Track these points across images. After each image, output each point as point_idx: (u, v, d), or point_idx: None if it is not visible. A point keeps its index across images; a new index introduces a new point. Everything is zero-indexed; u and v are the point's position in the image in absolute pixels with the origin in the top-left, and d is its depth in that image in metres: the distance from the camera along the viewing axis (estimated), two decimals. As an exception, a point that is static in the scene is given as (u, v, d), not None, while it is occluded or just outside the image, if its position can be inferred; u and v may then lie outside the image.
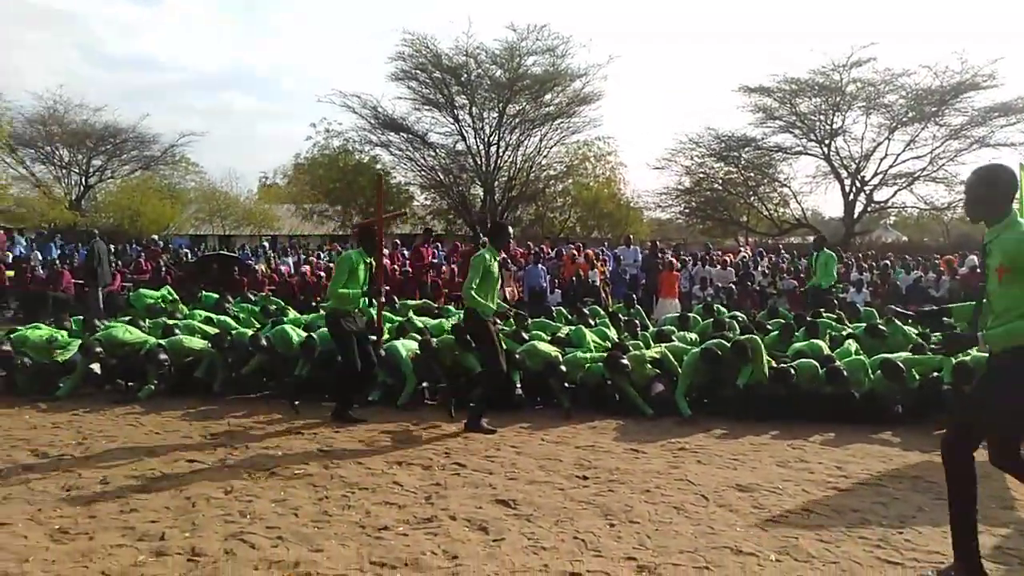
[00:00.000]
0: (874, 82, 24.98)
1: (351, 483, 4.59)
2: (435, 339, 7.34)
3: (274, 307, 9.99)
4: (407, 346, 7.10)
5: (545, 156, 27.81)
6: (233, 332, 7.81)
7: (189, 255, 19.23)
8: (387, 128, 26.50)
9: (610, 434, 6.00)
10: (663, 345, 7.61)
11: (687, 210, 29.45)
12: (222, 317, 9.12)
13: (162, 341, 7.54)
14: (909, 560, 3.49)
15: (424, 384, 7.07)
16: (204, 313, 9.43)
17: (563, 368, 6.87)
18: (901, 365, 6.40)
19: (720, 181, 28.60)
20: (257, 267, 15.91)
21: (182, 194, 34.30)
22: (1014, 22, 65.67)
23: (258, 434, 5.83)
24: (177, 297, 10.75)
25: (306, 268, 15.88)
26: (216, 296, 10.77)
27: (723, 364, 6.61)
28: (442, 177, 27.36)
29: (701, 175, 28.74)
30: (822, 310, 9.43)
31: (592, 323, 8.87)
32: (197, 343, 7.60)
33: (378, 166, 27.75)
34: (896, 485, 4.69)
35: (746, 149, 27.51)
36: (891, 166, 26.09)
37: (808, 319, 8.55)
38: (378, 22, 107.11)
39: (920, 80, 24.57)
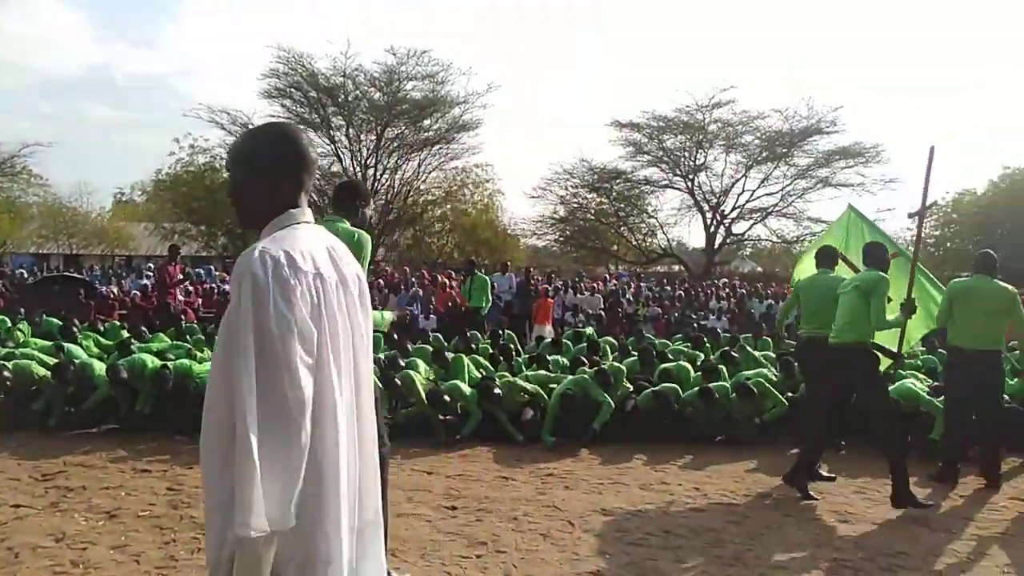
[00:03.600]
0: (732, 123, 26.87)
1: (202, 523, 4.27)
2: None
3: (126, 334, 9.21)
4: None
5: (423, 181, 27.80)
6: (77, 361, 7.12)
7: (26, 275, 17.55)
8: (257, 146, 25.51)
9: (481, 462, 5.97)
10: (529, 373, 7.66)
11: (561, 238, 30.22)
12: (69, 345, 8.27)
13: (7, 363, 6.80)
14: (757, 574, 3.69)
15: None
16: (42, 342, 8.55)
17: (446, 397, 6.72)
18: (753, 387, 6.81)
19: (592, 211, 29.56)
20: (107, 289, 14.74)
21: (23, 209, 31.24)
22: (854, 73, 73.00)
23: (98, 473, 5.33)
24: (10, 323, 9.75)
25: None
26: (59, 322, 9.85)
27: (581, 403, 6.70)
28: (316, 198, 26.63)
29: (575, 205, 29.58)
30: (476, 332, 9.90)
31: (475, 348, 8.90)
32: (42, 370, 6.90)
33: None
34: (750, 505, 4.96)
35: (617, 181, 28.58)
36: (747, 201, 28.08)
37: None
38: (251, 37, 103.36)
39: (773, 123, 26.72)
